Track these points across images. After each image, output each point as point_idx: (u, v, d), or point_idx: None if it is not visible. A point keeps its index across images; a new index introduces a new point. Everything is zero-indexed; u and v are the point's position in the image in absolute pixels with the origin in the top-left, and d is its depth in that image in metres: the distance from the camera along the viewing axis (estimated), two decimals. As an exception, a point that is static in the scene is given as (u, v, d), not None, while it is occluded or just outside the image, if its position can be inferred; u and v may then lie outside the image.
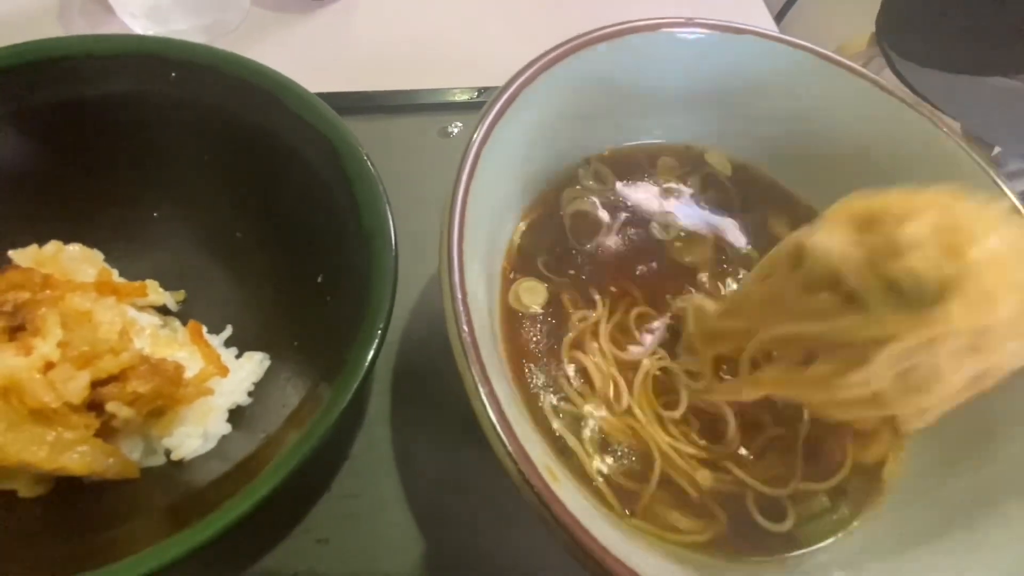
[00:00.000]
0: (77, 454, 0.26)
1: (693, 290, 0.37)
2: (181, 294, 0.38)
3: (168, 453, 0.31)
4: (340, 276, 0.35)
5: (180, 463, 0.31)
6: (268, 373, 0.36)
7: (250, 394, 0.34)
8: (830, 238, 0.25)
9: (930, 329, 0.22)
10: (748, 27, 0.38)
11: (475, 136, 0.29)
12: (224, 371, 0.32)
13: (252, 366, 0.35)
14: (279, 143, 0.36)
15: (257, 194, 0.37)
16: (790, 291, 0.27)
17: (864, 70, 0.37)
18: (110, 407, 0.27)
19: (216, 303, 0.39)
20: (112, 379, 0.27)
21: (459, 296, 0.25)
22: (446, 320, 0.25)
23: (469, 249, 0.26)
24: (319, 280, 0.37)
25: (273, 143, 0.36)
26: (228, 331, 0.38)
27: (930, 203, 0.24)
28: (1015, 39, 0.84)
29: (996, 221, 0.23)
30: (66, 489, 0.29)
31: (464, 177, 0.28)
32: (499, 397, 0.23)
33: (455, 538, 0.37)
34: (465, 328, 0.24)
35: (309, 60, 0.57)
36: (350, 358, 0.29)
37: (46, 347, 0.26)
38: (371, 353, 0.29)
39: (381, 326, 0.29)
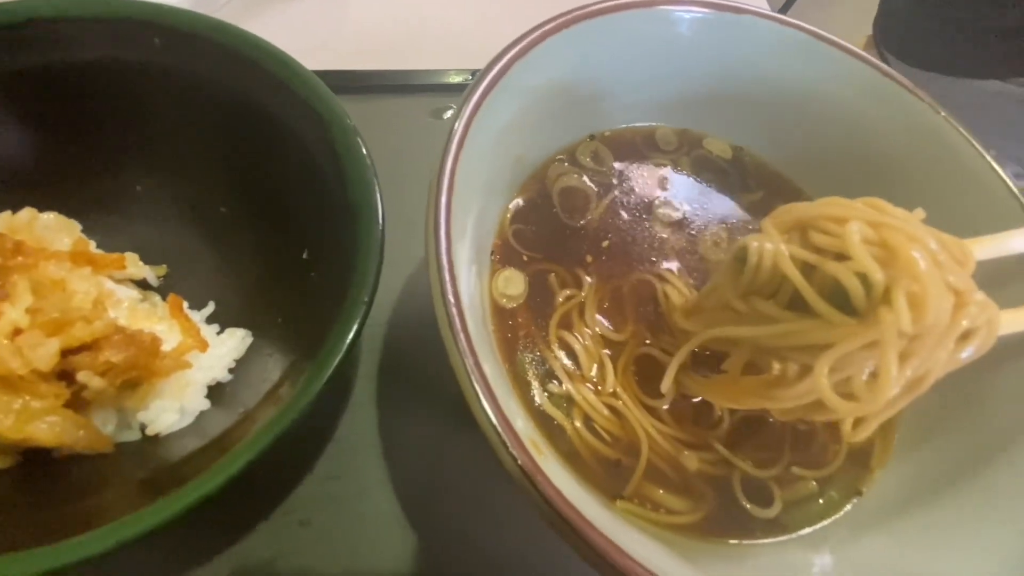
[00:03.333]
0: (45, 424, 0.25)
1: (674, 272, 0.37)
2: (162, 269, 0.37)
3: (143, 428, 0.30)
4: (326, 252, 0.34)
5: (155, 438, 0.30)
6: (250, 350, 0.35)
7: (231, 371, 0.33)
8: (771, 242, 0.25)
9: (867, 334, 0.22)
10: (748, 7, 0.37)
11: (463, 110, 0.29)
12: (203, 345, 0.31)
13: (234, 342, 0.34)
14: (266, 115, 0.35)
15: (243, 168, 0.36)
16: (734, 295, 0.27)
17: (867, 55, 0.37)
18: (81, 376, 0.26)
19: (199, 279, 0.38)
20: (84, 348, 0.26)
21: (445, 266, 0.24)
22: (432, 291, 0.24)
23: (457, 222, 0.26)
24: (304, 256, 0.36)
25: (260, 115, 0.35)
26: (210, 307, 0.37)
27: (861, 212, 0.25)
28: (1011, 43, 0.84)
29: (923, 230, 0.24)
30: (37, 461, 0.28)
31: (452, 150, 0.27)
32: (485, 369, 0.22)
33: (439, 522, 0.36)
34: (451, 299, 0.23)
35: (300, 38, 0.56)
36: (332, 334, 0.28)
37: (15, 312, 0.25)
38: (353, 330, 0.28)
39: (365, 301, 0.29)
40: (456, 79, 0.54)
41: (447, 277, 0.24)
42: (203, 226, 0.38)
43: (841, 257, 0.22)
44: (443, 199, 0.26)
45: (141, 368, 0.27)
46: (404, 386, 0.40)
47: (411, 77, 0.53)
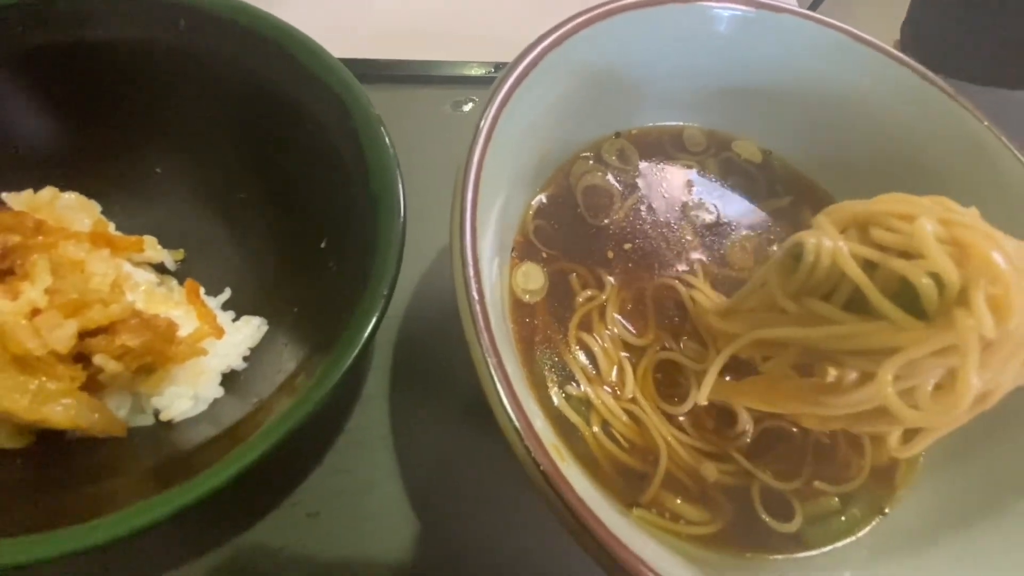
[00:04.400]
0: (60, 406, 0.25)
1: (699, 277, 0.36)
2: (180, 253, 0.37)
3: (157, 413, 0.30)
4: (345, 242, 0.34)
5: (169, 424, 0.30)
6: (265, 339, 0.35)
7: (245, 359, 0.33)
8: (829, 239, 0.24)
9: (940, 338, 0.20)
10: (786, 6, 0.36)
11: (492, 102, 0.28)
12: (219, 332, 0.31)
13: (249, 330, 0.34)
14: (289, 101, 0.34)
15: (263, 153, 0.36)
16: (783, 295, 0.26)
17: (909, 59, 0.35)
18: (97, 360, 0.25)
19: (216, 265, 0.37)
20: (101, 331, 0.26)
21: (470, 261, 0.23)
22: (456, 287, 0.24)
23: (483, 216, 0.25)
24: (322, 245, 0.35)
25: (282, 100, 0.35)
26: (227, 294, 0.36)
27: (930, 208, 0.23)
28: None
29: (999, 233, 0.22)
30: (50, 443, 0.28)
31: (480, 142, 0.26)
32: (508, 370, 0.22)
33: (447, 519, 0.36)
34: (476, 296, 0.22)
35: (325, 24, 0.56)
36: (350, 327, 0.27)
37: (33, 292, 0.24)
38: (372, 323, 0.27)
39: (384, 294, 0.28)
40: (478, 71, 0.53)
41: (471, 273, 0.23)
42: (221, 211, 0.37)
43: (907, 255, 0.21)
44: (469, 194, 0.25)
45: (157, 353, 0.27)
46: (416, 380, 0.40)
47: (432, 68, 0.52)
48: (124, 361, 0.26)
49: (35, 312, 0.25)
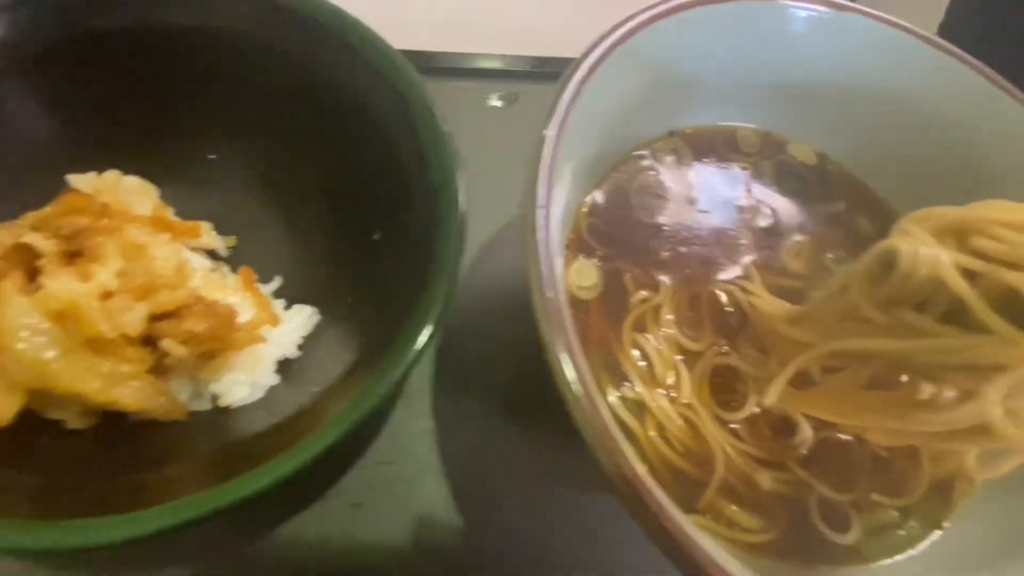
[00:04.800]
0: (129, 389, 0.25)
1: (755, 281, 0.35)
2: (232, 240, 0.37)
3: (215, 399, 0.30)
4: (399, 235, 0.33)
5: (226, 410, 0.30)
6: (317, 328, 0.35)
7: (299, 347, 0.33)
8: (927, 247, 0.22)
9: None
10: (855, 5, 0.35)
11: (563, 95, 0.27)
12: (275, 320, 0.31)
13: (301, 319, 0.34)
14: (345, 90, 0.34)
15: (317, 143, 0.36)
16: (870, 304, 0.25)
17: (976, 61, 0.34)
18: (165, 344, 0.26)
19: (266, 252, 0.37)
20: (167, 316, 0.26)
21: (543, 258, 0.23)
22: (530, 286, 0.23)
23: (555, 209, 0.25)
24: (375, 237, 0.35)
25: (339, 90, 0.34)
26: (277, 282, 0.36)
27: None
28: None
29: None
30: (111, 425, 0.29)
31: (552, 136, 0.26)
32: (585, 374, 0.21)
33: (488, 513, 0.36)
34: (551, 293, 0.22)
35: (384, 14, 0.56)
36: (411, 320, 0.27)
37: (105, 275, 0.25)
38: (435, 318, 0.27)
39: (447, 291, 0.28)
40: (517, 67, 0.53)
41: (546, 271, 0.23)
42: (272, 199, 0.37)
43: (1015, 266, 0.20)
44: (543, 189, 0.25)
45: (219, 339, 0.27)
46: (459, 373, 0.39)
47: (473, 61, 0.52)
48: (189, 346, 0.26)
49: (106, 295, 0.25)
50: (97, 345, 0.24)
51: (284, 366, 0.33)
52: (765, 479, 0.30)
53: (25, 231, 0.25)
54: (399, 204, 0.33)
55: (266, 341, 0.29)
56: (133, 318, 0.25)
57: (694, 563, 0.19)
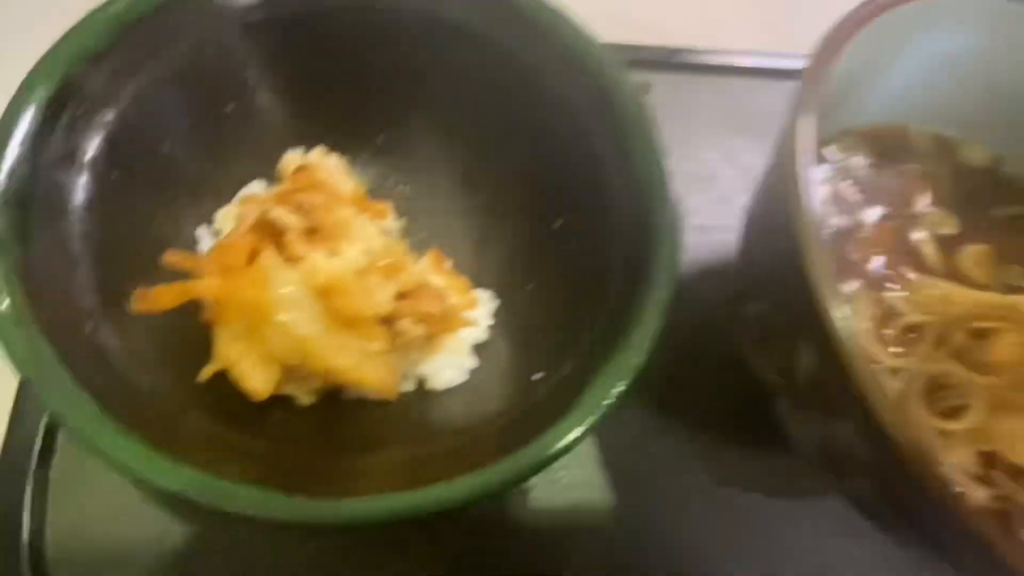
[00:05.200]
0: (375, 368, 0.25)
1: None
2: (403, 221, 0.37)
3: (420, 381, 0.30)
4: (588, 225, 0.33)
5: (429, 392, 0.30)
6: (500, 313, 0.34)
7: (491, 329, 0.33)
8: None
9: None
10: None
11: (806, 101, 0.27)
12: (474, 303, 0.31)
13: (485, 303, 0.34)
14: (538, 77, 0.33)
15: (504, 127, 0.35)
16: None
17: None
18: (403, 324, 0.26)
19: (439, 234, 0.36)
20: (403, 297, 0.26)
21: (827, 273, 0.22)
22: (813, 293, 0.22)
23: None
24: (556, 226, 0.35)
25: (532, 77, 0.33)
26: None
27: None
28: None
29: None
30: (328, 402, 0.29)
31: (802, 134, 0.26)
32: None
33: (641, 503, 0.36)
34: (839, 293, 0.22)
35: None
36: (637, 320, 0.26)
37: (354, 252, 0.25)
38: (659, 320, 0.26)
39: (667, 297, 0.27)
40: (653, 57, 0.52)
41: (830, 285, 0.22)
42: (452, 186, 0.36)
43: None
44: (806, 201, 0.24)
45: (448, 321, 0.27)
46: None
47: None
48: (421, 327, 0.26)
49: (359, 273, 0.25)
50: (350, 323, 0.24)
51: (477, 349, 0.33)
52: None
53: (271, 205, 0.25)
54: (591, 195, 0.33)
55: (477, 324, 0.29)
56: (385, 297, 0.25)
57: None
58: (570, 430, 0.23)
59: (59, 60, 0.25)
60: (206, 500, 0.20)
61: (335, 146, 0.34)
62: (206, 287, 0.23)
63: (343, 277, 0.24)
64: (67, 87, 0.25)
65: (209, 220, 0.32)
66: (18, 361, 0.20)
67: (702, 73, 0.53)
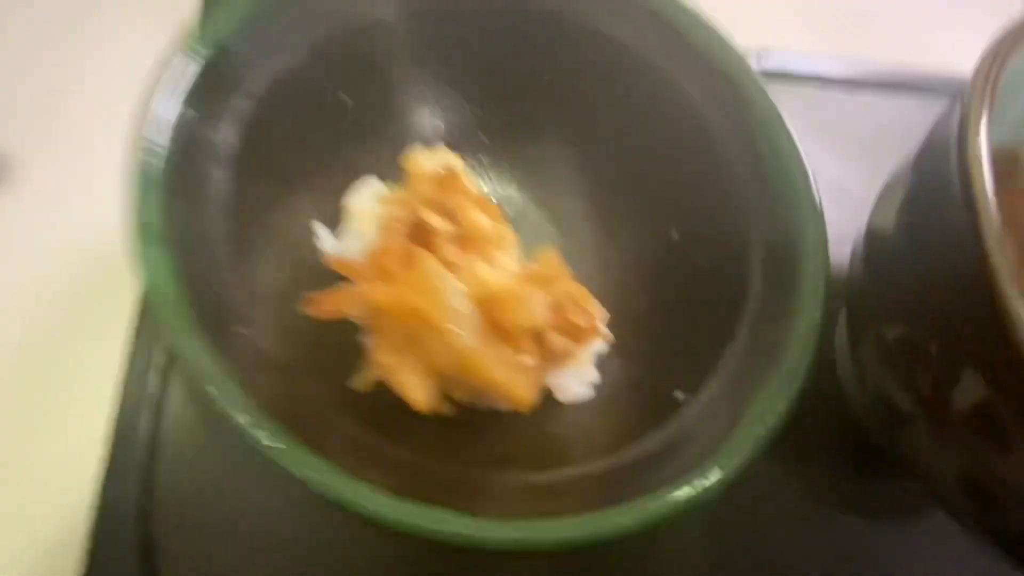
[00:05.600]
0: (527, 381, 0.24)
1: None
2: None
3: (547, 392, 0.29)
4: (717, 239, 0.31)
5: (557, 405, 0.29)
6: (615, 325, 0.32)
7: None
8: None
9: None
10: None
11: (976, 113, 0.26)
12: (599, 312, 0.30)
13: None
14: (665, 76, 0.32)
15: (625, 131, 0.34)
16: None
17: None
18: (552, 337, 0.25)
19: (546, 238, 0.35)
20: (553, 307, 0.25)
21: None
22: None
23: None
24: (674, 236, 0.34)
25: (659, 77, 0.32)
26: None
27: None
28: None
29: None
30: (463, 412, 0.28)
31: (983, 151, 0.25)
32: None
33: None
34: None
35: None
36: (784, 358, 0.25)
37: (507, 259, 0.24)
38: (812, 346, 0.25)
39: (815, 319, 0.26)
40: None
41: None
42: (565, 192, 0.35)
43: None
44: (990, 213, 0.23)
45: (590, 333, 0.26)
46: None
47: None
48: (567, 339, 0.25)
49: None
50: (505, 335, 0.23)
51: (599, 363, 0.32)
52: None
53: (419, 208, 0.24)
54: (719, 203, 0.32)
55: (610, 337, 0.28)
56: (542, 308, 0.23)
57: None
58: (733, 458, 0.23)
59: (207, 39, 0.24)
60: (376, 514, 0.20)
61: (451, 145, 0.32)
62: (381, 294, 0.22)
63: (509, 288, 0.23)
64: (210, 70, 0.24)
65: (322, 214, 0.31)
66: (196, 376, 0.19)
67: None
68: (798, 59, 0.50)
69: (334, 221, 0.31)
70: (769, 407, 0.24)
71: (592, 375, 0.30)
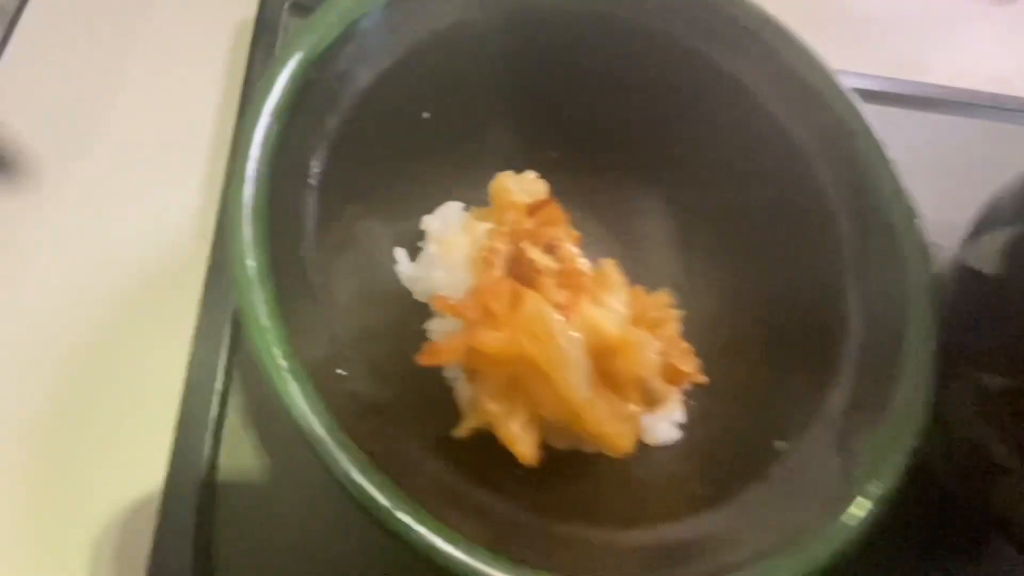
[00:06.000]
0: (631, 430, 0.22)
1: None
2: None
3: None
4: (809, 277, 0.30)
5: (644, 447, 0.27)
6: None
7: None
8: None
9: None
10: None
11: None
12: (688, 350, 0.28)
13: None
14: (759, 104, 0.31)
15: (721, 160, 0.32)
16: None
17: None
18: (655, 383, 0.23)
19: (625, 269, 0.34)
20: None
21: None
22: None
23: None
24: (765, 273, 0.32)
25: (752, 98, 0.31)
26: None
27: None
28: None
29: None
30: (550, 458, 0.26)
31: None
32: None
33: None
34: None
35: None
36: (894, 403, 0.23)
37: (616, 302, 0.22)
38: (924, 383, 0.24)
39: (927, 366, 0.25)
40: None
41: None
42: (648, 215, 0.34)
43: None
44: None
45: (691, 376, 0.24)
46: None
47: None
48: (670, 385, 0.24)
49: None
50: (614, 381, 0.22)
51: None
52: None
53: (522, 241, 0.23)
54: (811, 237, 0.31)
55: (705, 379, 0.27)
56: (655, 355, 0.22)
57: None
58: (855, 517, 0.21)
59: (298, 59, 0.22)
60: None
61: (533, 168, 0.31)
62: (494, 342, 0.20)
63: (623, 334, 0.21)
64: (302, 91, 0.23)
65: (403, 240, 0.29)
66: (300, 420, 0.17)
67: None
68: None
69: (411, 244, 0.30)
70: (885, 463, 0.22)
71: (678, 415, 0.28)
